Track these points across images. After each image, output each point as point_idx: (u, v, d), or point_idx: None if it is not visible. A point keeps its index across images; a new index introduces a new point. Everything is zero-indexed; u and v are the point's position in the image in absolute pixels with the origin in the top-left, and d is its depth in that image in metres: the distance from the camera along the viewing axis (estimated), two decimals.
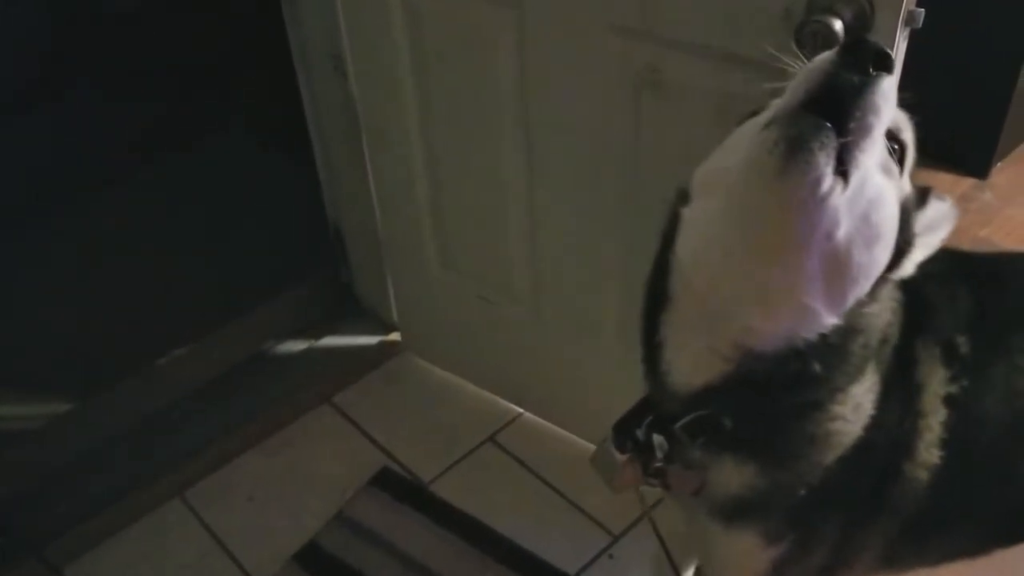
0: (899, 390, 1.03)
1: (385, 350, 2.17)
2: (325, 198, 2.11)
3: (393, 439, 2.00)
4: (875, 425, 1.01)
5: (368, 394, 2.09)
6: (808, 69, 0.82)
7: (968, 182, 2.61)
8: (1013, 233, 2.42)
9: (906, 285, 1.02)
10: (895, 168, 0.90)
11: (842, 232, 0.84)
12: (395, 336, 2.19)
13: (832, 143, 0.79)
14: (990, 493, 1.15)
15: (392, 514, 1.86)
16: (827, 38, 1.06)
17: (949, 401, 1.05)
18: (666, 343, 0.99)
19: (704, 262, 0.92)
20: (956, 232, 2.46)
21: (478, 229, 1.82)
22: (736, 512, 1.07)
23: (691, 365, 0.97)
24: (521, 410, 2.05)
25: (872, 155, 0.82)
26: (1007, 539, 1.23)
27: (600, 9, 1.36)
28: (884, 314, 0.98)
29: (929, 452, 1.05)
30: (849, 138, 0.79)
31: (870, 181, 0.84)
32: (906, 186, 0.94)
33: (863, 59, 0.79)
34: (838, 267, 0.86)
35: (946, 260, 1.08)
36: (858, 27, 1.07)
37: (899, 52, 1.12)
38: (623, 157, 1.48)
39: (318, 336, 2.18)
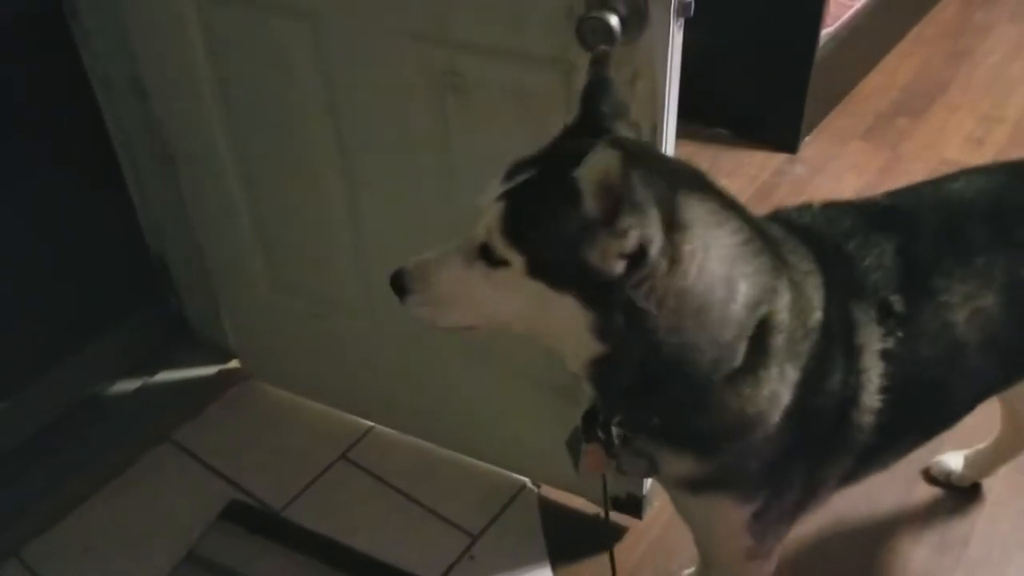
0: (842, 354, 1.13)
1: (225, 379, 2.11)
2: (144, 227, 2.03)
3: (240, 469, 1.94)
4: (820, 391, 1.12)
5: (210, 426, 2.03)
6: None
7: (780, 157, 2.76)
8: None
9: (828, 248, 1.16)
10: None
11: None
12: (234, 363, 2.13)
13: None
14: (929, 413, 1.31)
15: (246, 547, 1.80)
16: (605, 33, 1.10)
17: (885, 355, 1.16)
18: None
19: None
20: (772, 205, 2.60)
21: (304, 246, 1.80)
22: (697, 486, 1.18)
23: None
24: (371, 424, 2.04)
25: None
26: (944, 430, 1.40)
27: (395, 16, 1.37)
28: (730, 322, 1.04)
29: (872, 399, 1.17)
30: None
31: None
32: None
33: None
34: None
35: (856, 214, 1.23)
36: (634, 20, 1.11)
37: (675, 44, 1.17)
38: (436, 160, 1.49)
39: (152, 372, 2.10)
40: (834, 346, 1.12)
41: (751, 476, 1.16)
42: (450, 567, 1.78)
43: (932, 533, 1.81)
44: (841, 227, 1.21)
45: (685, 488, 1.20)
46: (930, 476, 1.89)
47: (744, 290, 1.03)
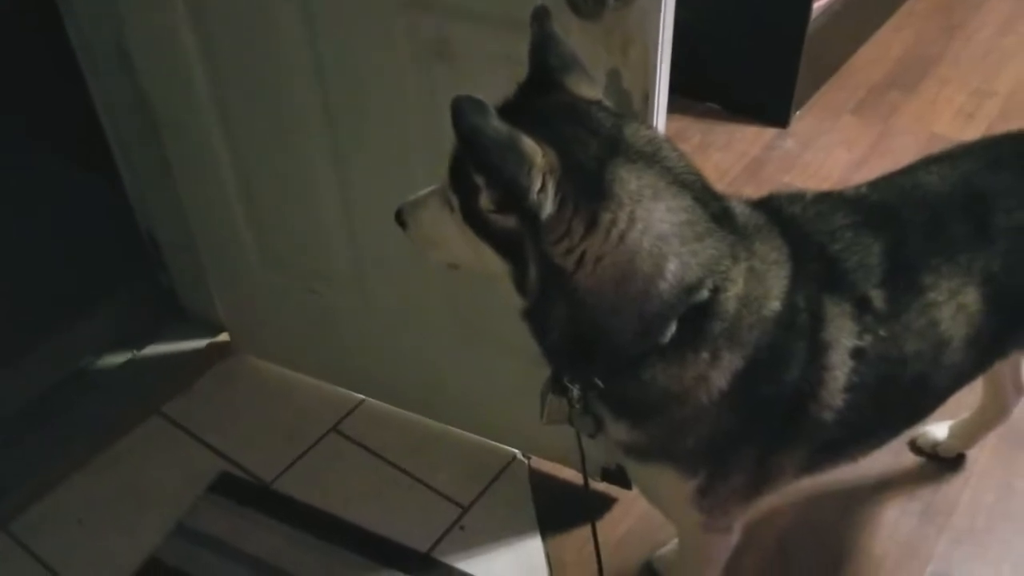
0: (804, 348, 1.13)
1: (214, 352, 2.10)
2: (132, 201, 2.02)
3: (230, 442, 1.94)
4: (769, 382, 1.13)
5: (200, 400, 2.02)
6: None
7: (771, 132, 2.75)
8: (813, 177, 2.57)
9: (811, 243, 1.17)
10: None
11: None
12: (224, 337, 2.13)
13: None
14: (902, 409, 1.33)
15: (236, 519, 1.81)
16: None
17: (856, 352, 1.16)
18: None
19: None
20: (762, 180, 2.59)
21: (293, 218, 1.79)
22: (641, 454, 1.22)
23: None
24: (363, 397, 2.03)
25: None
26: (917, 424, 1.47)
27: None
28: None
29: (834, 395, 1.17)
30: None
31: None
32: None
33: None
34: None
35: (845, 210, 1.23)
36: None
37: (668, 8, 1.16)
38: (425, 131, 1.47)
39: (141, 345, 2.09)
40: (794, 339, 1.13)
41: (689, 451, 1.18)
42: (440, 538, 1.78)
43: (917, 503, 1.83)
44: (829, 223, 1.21)
45: (630, 455, 1.24)
46: (916, 446, 1.91)
47: (674, 269, 1.02)
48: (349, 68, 1.49)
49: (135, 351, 2.09)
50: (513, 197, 0.98)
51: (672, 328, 1.06)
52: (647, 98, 1.27)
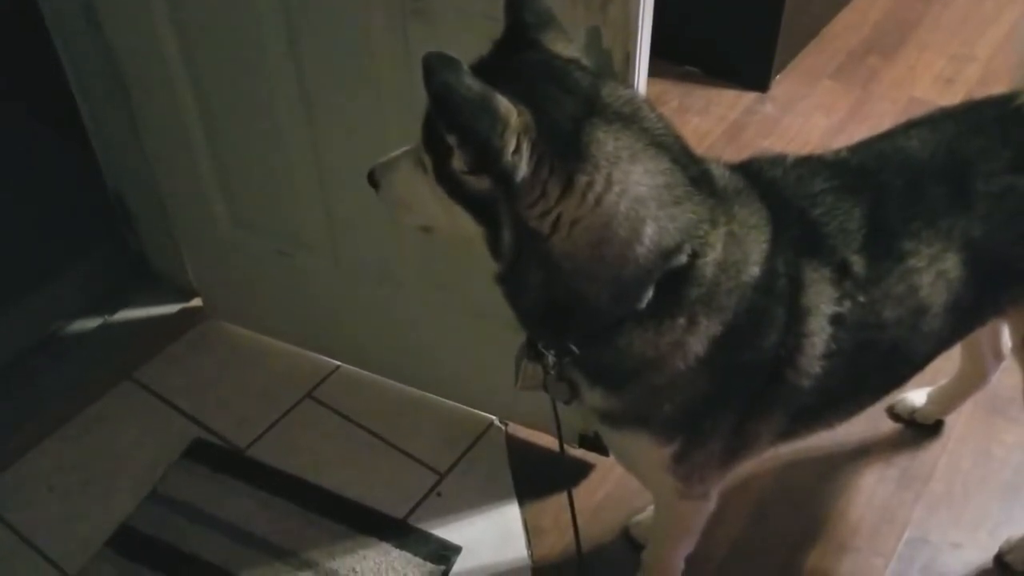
0: (783, 314, 1.12)
1: (186, 318, 2.07)
2: (102, 163, 1.98)
3: (204, 408, 1.92)
4: (746, 347, 1.12)
5: (172, 365, 1.99)
6: None
7: (751, 96, 2.72)
8: (792, 142, 2.55)
9: (791, 207, 1.15)
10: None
11: None
12: (196, 302, 2.09)
13: None
14: (879, 376, 1.32)
15: (210, 485, 1.79)
16: None
17: (836, 318, 1.16)
18: None
19: None
20: (741, 144, 2.57)
21: (265, 181, 1.76)
22: (616, 421, 1.21)
23: None
24: (337, 363, 2.02)
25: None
26: (894, 391, 1.46)
27: None
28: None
29: (812, 361, 1.16)
30: None
31: None
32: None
33: None
34: None
35: (826, 174, 1.21)
36: None
37: None
38: (399, 90, 1.44)
39: (112, 310, 2.06)
40: (773, 304, 1.12)
41: (665, 417, 1.18)
42: (417, 504, 1.78)
43: (895, 469, 1.84)
44: (809, 187, 1.20)
45: (606, 422, 1.23)
46: (894, 413, 1.92)
47: (651, 233, 1.01)
48: (322, 25, 1.46)
49: (106, 316, 2.05)
50: (486, 158, 0.96)
51: (649, 293, 1.05)
52: (628, 58, 1.25)
